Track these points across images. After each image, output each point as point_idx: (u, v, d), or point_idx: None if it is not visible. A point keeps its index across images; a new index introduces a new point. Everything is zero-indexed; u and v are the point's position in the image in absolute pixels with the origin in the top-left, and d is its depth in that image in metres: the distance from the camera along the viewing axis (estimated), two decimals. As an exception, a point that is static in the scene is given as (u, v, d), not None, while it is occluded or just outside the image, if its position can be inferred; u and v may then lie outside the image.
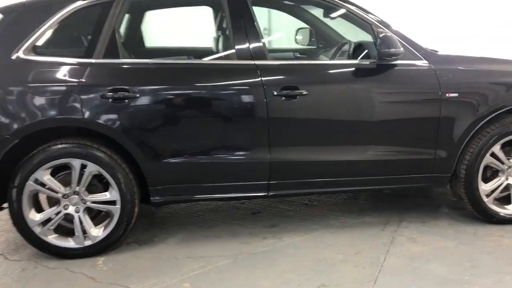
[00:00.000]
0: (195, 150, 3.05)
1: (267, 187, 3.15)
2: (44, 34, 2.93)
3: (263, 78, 3.00)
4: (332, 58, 3.64)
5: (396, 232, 3.30)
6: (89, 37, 3.04)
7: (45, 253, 3.03)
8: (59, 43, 3.08)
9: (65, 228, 3.01)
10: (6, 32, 2.94)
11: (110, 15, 2.96)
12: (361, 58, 3.28)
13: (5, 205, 2.97)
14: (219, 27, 4.06)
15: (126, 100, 2.90)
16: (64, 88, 2.88)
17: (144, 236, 3.32)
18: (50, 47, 3.00)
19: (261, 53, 3.10)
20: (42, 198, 3.07)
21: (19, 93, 2.86)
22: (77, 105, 2.87)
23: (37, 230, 2.96)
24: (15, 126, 2.83)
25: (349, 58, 3.45)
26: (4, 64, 2.89)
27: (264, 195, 3.18)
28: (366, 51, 3.27)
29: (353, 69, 3.21)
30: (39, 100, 2.86)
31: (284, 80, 3.06)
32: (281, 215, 3.65)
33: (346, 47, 3.58)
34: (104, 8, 2.97)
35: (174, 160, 3.02)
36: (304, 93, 3.01)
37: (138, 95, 2.91)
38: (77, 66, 2.93)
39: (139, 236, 3.31)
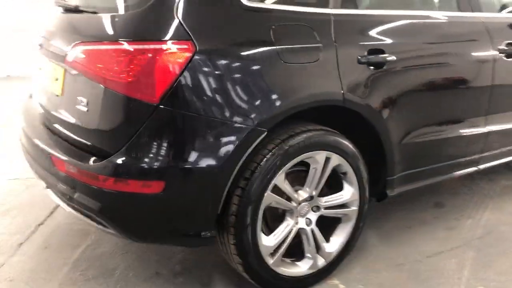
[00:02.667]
0: (437, 125, 2.45)
1: (478, 161, 2.73)
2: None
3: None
4: None
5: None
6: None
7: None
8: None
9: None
10: None
11: None
12: None
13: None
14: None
15: (384, 66, 2.14)
16: (317, 51, 1.98)
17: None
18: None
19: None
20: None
21: (263, 60, 1.86)
22: (334, 75, 2.00)
23: (270, 260, 2.04)
24: (262, 111, 1.85)
25: None
26: (233, 14, 1.84)
27: (475, 170, 2.75)
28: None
29: None
30: (288, 71, 1.91)
31: None
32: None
33: None
34: None
35: (418, 140, 2.38)
36: None
37: (396, 58, 2.16)
38: (321, 19, 2.03)
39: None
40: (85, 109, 1.87)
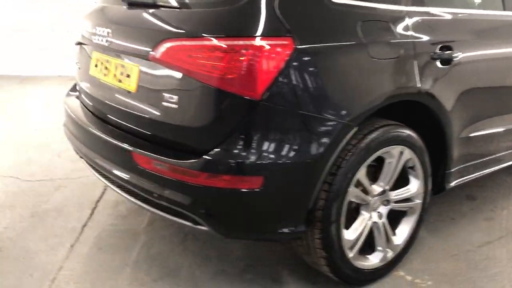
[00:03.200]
0: (489, 120, 2.55)
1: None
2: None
3: None
4: None
5: None
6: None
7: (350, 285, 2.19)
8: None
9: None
10: None
11: None
12: None
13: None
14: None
15: (453, 61, 2.20)
16: (398, 47, 2.02)
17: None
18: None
19: None
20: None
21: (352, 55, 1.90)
22: (412, 71, 2.05)
23: (350, 254, 2.07)
24: (354, 107, 1.87)
25: None
26: (324, 10, 1.85)
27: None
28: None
29: None
30: (375, 67, 1.94)
31: None
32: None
33: None
34: None
35: (473, 134, 2.46)
36: None
37: (462, 55, 2.24)
38: (398, 15, 2.08)
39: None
40: (174, 105, 1.83)
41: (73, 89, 2.81)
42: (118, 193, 2.23)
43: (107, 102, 2.24)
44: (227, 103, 1.73)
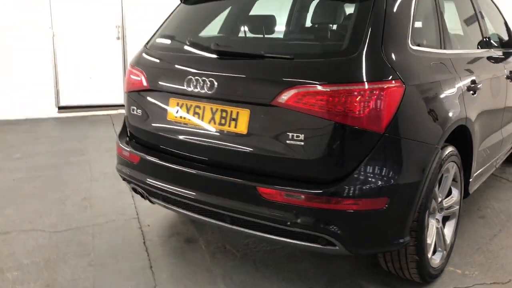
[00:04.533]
0: (494, 133, 3.25)
1: (503, 158, 3.61)
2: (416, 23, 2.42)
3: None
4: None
5: None
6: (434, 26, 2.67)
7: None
8: (421, 33, 2.59)
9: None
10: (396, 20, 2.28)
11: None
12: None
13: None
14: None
15: (477, 92, 2.77)
16: (454, 82, 2.52)
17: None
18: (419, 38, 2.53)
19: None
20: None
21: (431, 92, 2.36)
22: (462, 101, 2.56)
23: (429, 256, 2.49)
24: (441, 133, 2.32)
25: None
26: (410, 56, 2.27)
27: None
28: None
29: None
30: (447, 100, 2.44)
31: None
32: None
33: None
34: None
35: (485, 146, 3.08)
36: None
37: (482, 86, 2.82)
38: (445, 57, 2.57)
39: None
40: (300, 143, 2.10)
41: (128, 135, 2.85)
42: (218, 224, 2.38)
43: (205, 143, 2.38)
44: (356, 137, 2.05)
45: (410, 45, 2.30)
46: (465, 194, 2.98)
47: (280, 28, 3.25)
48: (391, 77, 2.09)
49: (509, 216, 3.54)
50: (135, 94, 2.74)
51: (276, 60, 2.26)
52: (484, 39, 3.33)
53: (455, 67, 2.61)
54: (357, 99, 2.02)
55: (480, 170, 3.16)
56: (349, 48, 2.13)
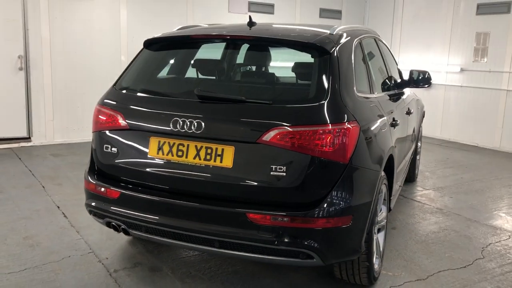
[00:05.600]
0: (401, 158, 3.94)
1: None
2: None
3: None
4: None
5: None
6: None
7: None
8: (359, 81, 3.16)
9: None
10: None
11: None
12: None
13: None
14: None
15: (396, 125, 3.46)
16: (385, 119, 3.20)
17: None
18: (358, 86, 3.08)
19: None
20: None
21: None
22: (390, 135, 3.26)
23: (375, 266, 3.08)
24: (383, 161, 3.00)
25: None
26: (358, 102, 2.83)
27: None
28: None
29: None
30: (385, 134, 3.12)
31: None
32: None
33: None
34: None
35: (399, 168, 3.77)
36: None
37: (398, 121, 3.53)
38: (378, 100, 3.22)
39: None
40: (282, 173, 2.51)
41: (97, 172, 2.99)
42: (205, 249, 2.69)
43: (190, 177, 2.65)
44: (328, 167, 2.53)
45: (356, 92, 2.87)
46: (389, 210, 3.64)
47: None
48: (351, 119, 2.62)
49: (408, 226, 4.31)
50: (108, 133, 2.90)
51: (257, 104, 2.65)
52: (390, 82, 4.10)
53: (382, 108, 3.25)
54: (329, 137, 2.50)
55: (395, 189, 3.86)
56: (318, 96, 2.62)
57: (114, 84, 3.12)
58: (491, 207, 4.98)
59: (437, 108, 8.91)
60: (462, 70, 8.56)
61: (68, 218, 4.21)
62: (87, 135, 7.61)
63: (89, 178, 2.98)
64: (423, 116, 5.78)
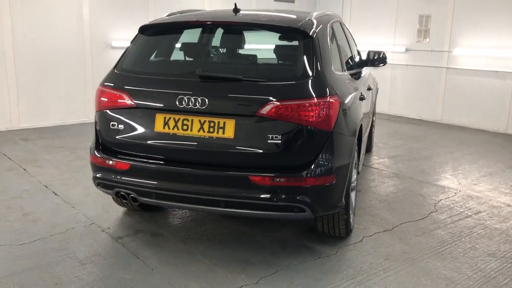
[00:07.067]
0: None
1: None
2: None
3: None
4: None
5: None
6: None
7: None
8: (334, 61, 3.58)
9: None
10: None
11: None
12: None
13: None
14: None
15: (363, 100, 3.97)
16: (357, 95, 3.67)
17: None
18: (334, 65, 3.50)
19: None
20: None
21: None
22: (360, 108, 3.75)
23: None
24: (357, 128, 3.44)
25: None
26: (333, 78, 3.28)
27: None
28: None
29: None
30: (359, 105, 3.56)
31: None
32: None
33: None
34: None
35: (363, 138, 4.30)
36: None
37: (365, 95, 4.03)
38: (349, 77, 3.68)
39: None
40: (278, 141, 2.93)
41: (102, 147, 3.29)
42: (211, 210, 3.10)
43: (195, 148, 3.02)
44: (316, 135, 2.98)
45: (333, 70, 3.33)
46: (357, 173, 4.17)
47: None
48: (333, 93, 3.08)
49: (371, 188, 4.89)
50: (114, 112, 3.20)
51: (253, 82, 3.05)
52: (354, 62, 4.60)
53: (352, 84, 3.74)
54: (316, 108, 2.95)
55: (362, 156, 4.40)
56: (304, 74, 3.05)
57: (115, 67, 3.40)
58: (438, 171, 5.68)
59: (385, 86, 9.62)
60: (407, 50, 9.30)
61: (60, 196, 4.44)
62: (53, 119, 7.69)
63: (96, 153, 3.28)
64: (377, 92, 6.37)
